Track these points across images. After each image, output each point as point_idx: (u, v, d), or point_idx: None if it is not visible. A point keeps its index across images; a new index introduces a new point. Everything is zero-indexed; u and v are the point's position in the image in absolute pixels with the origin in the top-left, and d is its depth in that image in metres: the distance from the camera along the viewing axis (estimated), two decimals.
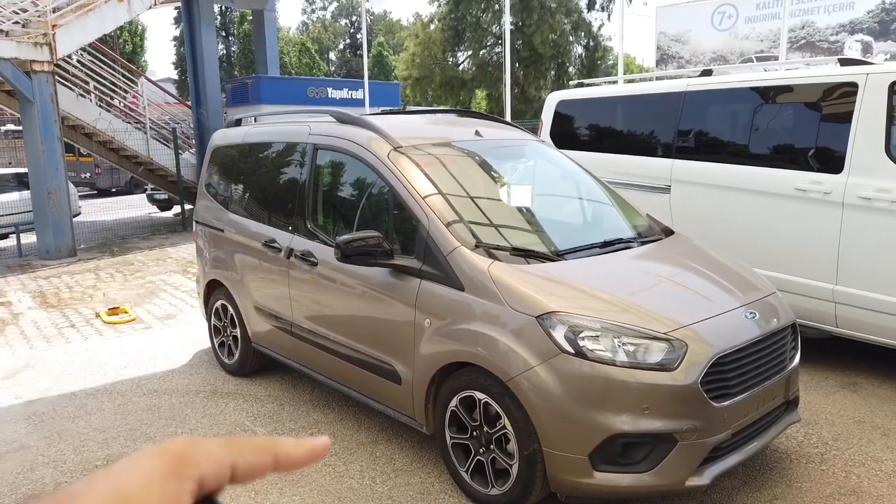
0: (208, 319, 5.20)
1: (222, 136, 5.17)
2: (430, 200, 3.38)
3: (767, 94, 4.93)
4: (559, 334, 2.76)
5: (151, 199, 16.16)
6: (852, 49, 12.87)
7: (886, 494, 3.12)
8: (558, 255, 3.28)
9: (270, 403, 4.44)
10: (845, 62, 4.68)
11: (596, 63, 28.69)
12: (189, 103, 15.22)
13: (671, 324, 2.79)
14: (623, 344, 2.72)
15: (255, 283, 4.51)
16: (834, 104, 4.51)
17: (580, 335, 2.74)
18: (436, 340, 3.17)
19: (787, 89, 4.81)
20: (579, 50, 29.23)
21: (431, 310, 3.20)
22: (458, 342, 3.06)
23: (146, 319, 6.66)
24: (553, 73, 28.19)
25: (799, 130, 4.73)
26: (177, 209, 14.67)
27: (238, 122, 5.22)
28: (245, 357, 4.79)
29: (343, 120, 4.06)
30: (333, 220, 4.01)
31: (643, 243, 3.62)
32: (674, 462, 2.69)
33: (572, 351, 2.72)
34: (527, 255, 3.22)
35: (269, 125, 4.80)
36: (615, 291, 2.98)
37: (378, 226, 3.66)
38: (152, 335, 6.09)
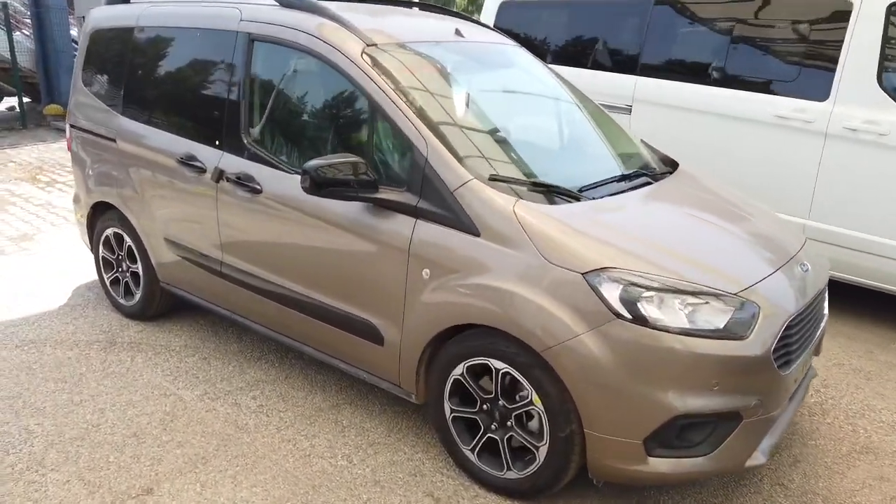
0: (94, 250, 4.18)
1: (105, 16, 3.98)
2: (429, 118, 2.66)
3: (750, 9, 4.52)
4: (613, 295, 2.24)
5: None
6: None
7: None
8: (579, 192, 2.71)
9: (191, 357, 3.64)
10: None
11: None
12: None
13: (739, 282, 2.36)
14: (689, 307, 2.25)
15: (164, 210, 3.57)
16: (824, 25, 4.18)
17: (639, 297, 2.24)
18: (439, 296, 2.54)
19: (774, 4, 4.42)
20: None
21: (432, 258, 2.56)
22: (474, 300, 2.45)
23: None
24: None
25: (783, 52, 4.38)
26: (10, 102, 12.40)
27: None
28: (150, 297, 3.89)
29: (289, 4, 3.14)
30: (282, 137, 3.14)
31: (653, 178, 3.12)
32: (736, 442, 2.32)
33: (629, 316, 2.22)
34: (548, 191, 2.63)
35: (176, 4, 3.69)
36: (669, 241, 2.49)
37: (349, 147, 2.89)
38: (8, 263, 4.90)
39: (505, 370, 2.46)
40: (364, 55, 2.81)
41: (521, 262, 2.38)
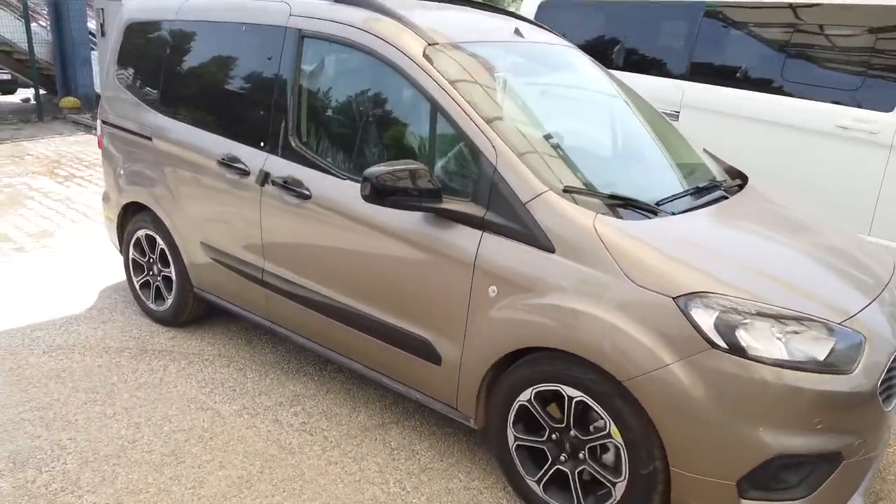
0: (124, 252, 4.01)
1: (141, 8, 3.81)
2: (497, 124, 2.48)
3: (811, 13, 4.32)
4: (706, 322, 2.06)
5: None
6: None
7: None
8: (656, 206, 2.53)
9: (225, 367, 3.47)
10: None
11: None
12: None
13: (842, 310, 2.17)
14: (789, 337, 2.07)
15: (202, 213, 3.40)
16: (892, 33, 3.98)
17: (736, 325, 2.05)
18: (508, 315, 2.36)
19: (837, 9, 4.22)
20: None
21: (501, 274, 2.38)
22: (548, 321, 2.27)
23: (15, 238, 5.24)
24: None
25: (846, 59, 4.19)
26: (25, 93, 12.28)
27: None
28: (182, 303, 3.72)
29: None
30: (335, 140, 2.97)
31: (727, 192, 2.92)
32: (836, 484, 2.14)
33: (725, 346, 2.04)
34: (626, 205, 2.44)
35: None
36: (760, 263, 2.30)
37: (408, 153, 2.71)
38: (29, 261, 4.75)
39: (579, 398, 2.28)
40: (425, 55, 2.63)
41: (602, 283, 2.20)
